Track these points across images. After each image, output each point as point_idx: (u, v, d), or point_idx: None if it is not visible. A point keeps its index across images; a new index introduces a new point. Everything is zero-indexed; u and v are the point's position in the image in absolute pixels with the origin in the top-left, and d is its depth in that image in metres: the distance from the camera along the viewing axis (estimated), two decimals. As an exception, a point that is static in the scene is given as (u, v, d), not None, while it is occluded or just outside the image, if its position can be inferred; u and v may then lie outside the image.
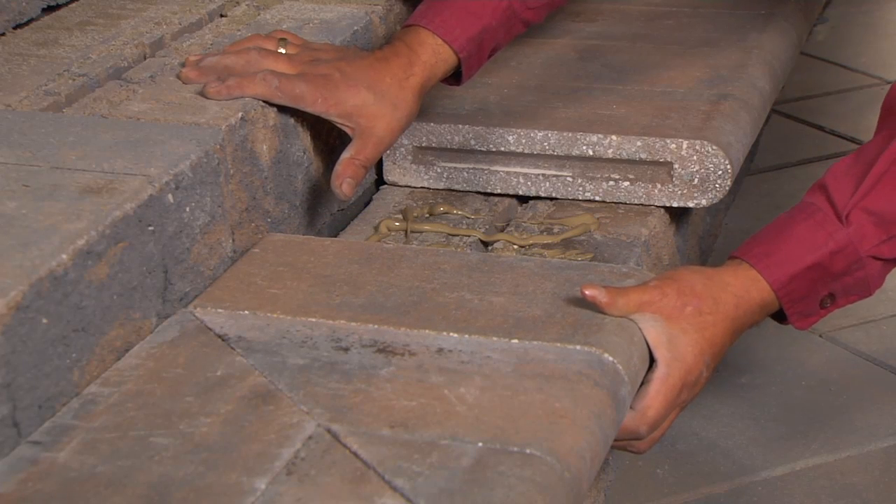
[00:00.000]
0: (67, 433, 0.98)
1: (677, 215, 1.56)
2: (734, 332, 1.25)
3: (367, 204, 1.54)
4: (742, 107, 1.60)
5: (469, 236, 1.43)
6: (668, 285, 1.20)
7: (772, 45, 1.80)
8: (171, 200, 1.14)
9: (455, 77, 1.42)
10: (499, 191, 1.53)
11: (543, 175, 1.52)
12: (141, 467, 0.94)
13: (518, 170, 1.51)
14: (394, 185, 1.56)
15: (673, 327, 1.18)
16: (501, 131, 1.51)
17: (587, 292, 1.15)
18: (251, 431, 0.98)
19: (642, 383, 1.17)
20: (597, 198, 1.51)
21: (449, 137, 1.52)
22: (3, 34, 1.44)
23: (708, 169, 1.47)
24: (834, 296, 1.29)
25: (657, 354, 1.18)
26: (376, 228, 1.45)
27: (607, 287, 1.17)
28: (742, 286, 1.24)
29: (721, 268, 1.26)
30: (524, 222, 1.47)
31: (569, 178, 1.51)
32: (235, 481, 0.93)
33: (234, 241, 1.26)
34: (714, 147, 1.47)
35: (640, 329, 1.17)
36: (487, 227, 1.46)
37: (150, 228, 1.11)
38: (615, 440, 1.16)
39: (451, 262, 1.23)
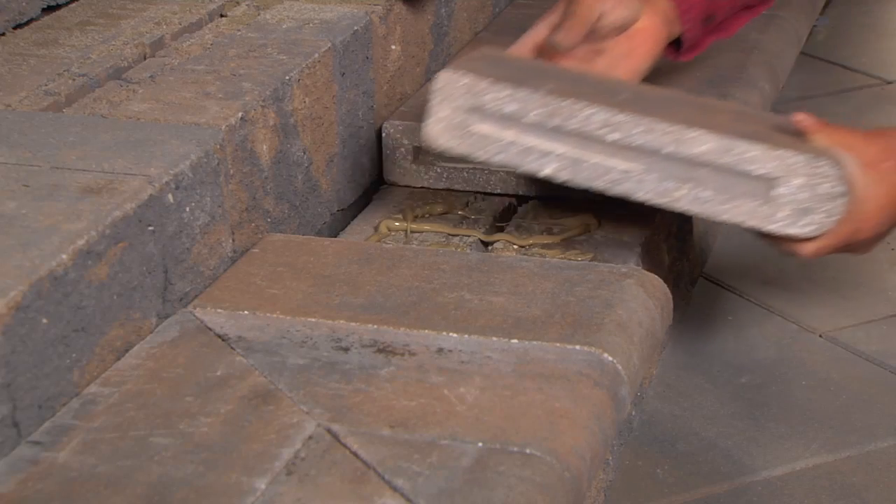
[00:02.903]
0: (67, 433, 0.98)
1: (677, 215, 1.56)
2: None
3: (367, 204, 1.54)
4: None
5: (469, 236, 1.43)
6: (877, 137, 1.26)
7: (772, 45, 1.80)
8: (171, 200, 1.14)
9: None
10: (499, 191, 1.53)
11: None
12: (141, 467, 0.94)
13: (518, 169, 1.51)
14: (394, 185, 1.56)
15: (867, 174, 1.23)
16: (501, 131, 1.51)
17: (798, 117, 1.24)
18: (251, 431, 0.98)
19: None
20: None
21: (449, 137, 1.52)
22: (3, 34, 1.44)
23: (708, 169, 1.47)
24: None
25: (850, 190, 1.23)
26: (376, 228, 1.45)
27: (818, 119, 1.24)
28: None
29: None
30: (524, 222, 1.47)
31: (569, 178, 1.51)
32: (235, 481, 0.93)
33: (234, 241, 1.26)
34: (714, 147, 1.47)
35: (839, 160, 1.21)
36: (487, 227, 1.47)
37: (150, 228, 1.11)
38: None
39: (451, 262, 1.23)
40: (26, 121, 1.24)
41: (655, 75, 1.62)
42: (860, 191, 1.23)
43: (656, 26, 1.42)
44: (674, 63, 1.69)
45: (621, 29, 1.40)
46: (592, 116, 1.23)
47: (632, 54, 1.42)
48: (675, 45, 1.48)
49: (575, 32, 1.36)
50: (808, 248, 1.25)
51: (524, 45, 1.42)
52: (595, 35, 1.38)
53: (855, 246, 1.28)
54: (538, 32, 1.42)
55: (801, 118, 1.24)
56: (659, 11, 1.43)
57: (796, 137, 1.25)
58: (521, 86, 1.25)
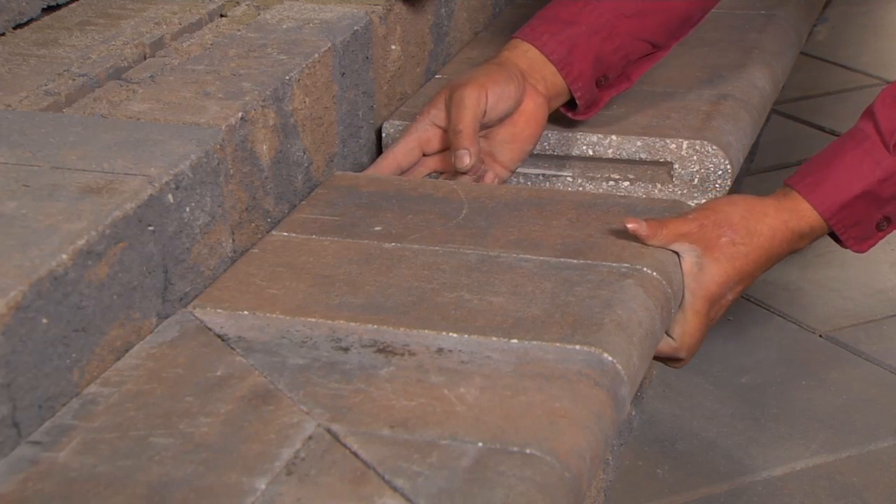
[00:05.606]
0: (67, 433, 0.98)
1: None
2: (768, 261, 1.30)
3: (367, 204, 1.54)
4: (742, 107, 1.60)
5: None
6: (707, 216, 1.28)
7: (772, 45, 1.80)
8: (171, 200, 1.14)
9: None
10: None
11: (543, 175, 1.52)
12: (141, 467, 0.94)
13: (518, 169, 1.51)
14: (394, 185, 1.56)
15: (707, 257, 1.26)
16: (501, 131, 1.51)
17: (629, 225, 1.24)
18: (251, 431, 0.98)
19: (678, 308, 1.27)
20: (596, 198, 1.51)
21: (449, 137, 1.52)
22: (3, 34, 1.44)
23: (708, 169, 1.47)
24: (890, 219, 1.33)
25: (686, 283, 1.26)
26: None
27: (648, 219, 1.24)
28: (781, 218, 1.30)
29: (768, 197, 1.32)
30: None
31: (569, 178, 1.51)
32: (235, 481, 0.93)
33: (234, 241, 1.26)
34: (714, 147, 1.47)
35: (677, 257, 1.26)
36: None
37: (150, 228, 1.11)
38: (655, 356, 1.27)
39: (451, 262, 1.23)
40: (26, 121, 1.24)
41: (655, 72, 1.63)
42: (693, 281, 1.27)
43: (537, 106, 1.42)
44: (673, 64, 1.69)
45: (505, 117, 1.42)
46: (418, 255, 1.25)
47: (516, 139, 1.43)
48: (573, 103, 1.48)
49: (473, 151, 1.37)
50: (681, 364, 1.31)
51: (407, 144, 1.43)
52: (480, 127, 1.40)
53: (713, 314, 1.31)
54: (423, 130, 1.43)
55: (633, 227, 1.24)
56: (540, 91, 1.42)
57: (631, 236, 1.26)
58: (348, 235, 1.28)
